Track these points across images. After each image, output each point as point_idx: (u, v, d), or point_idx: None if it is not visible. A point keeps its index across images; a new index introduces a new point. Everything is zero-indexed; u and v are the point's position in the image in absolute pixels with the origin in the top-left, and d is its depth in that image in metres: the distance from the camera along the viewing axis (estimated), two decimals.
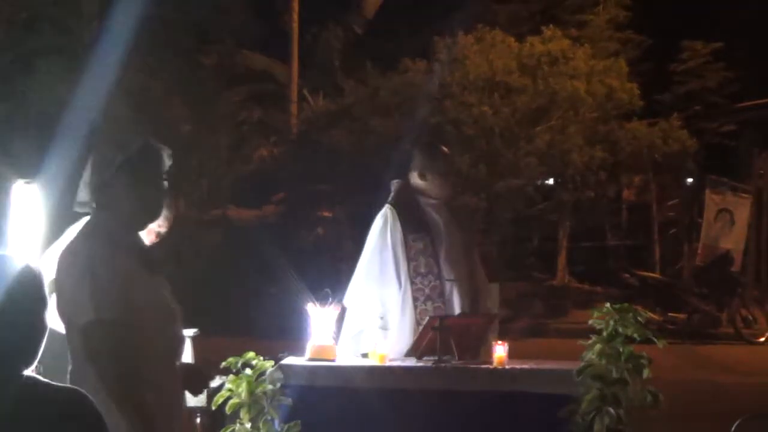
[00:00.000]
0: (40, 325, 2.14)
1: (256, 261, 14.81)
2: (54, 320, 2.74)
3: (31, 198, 4.31)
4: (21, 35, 12.05)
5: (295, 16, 18.96)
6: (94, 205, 3.23)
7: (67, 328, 3.12)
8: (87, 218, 3.31)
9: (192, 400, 4.01)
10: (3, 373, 2.07)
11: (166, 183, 3.30)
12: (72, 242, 3.21)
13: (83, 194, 3.27)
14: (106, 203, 3.21)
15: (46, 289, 2.19)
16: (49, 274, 3.44)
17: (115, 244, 3.15)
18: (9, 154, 10.67)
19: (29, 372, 2.12)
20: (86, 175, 3.26)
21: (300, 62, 19.28)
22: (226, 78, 16.81)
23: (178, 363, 3.28)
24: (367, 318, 4.62)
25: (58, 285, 3.12)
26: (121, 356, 3.02)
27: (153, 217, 3.32)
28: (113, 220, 3.20)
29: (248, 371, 3.66)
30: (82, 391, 2.19)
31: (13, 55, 11.93)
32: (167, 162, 3.30)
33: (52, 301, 2.41)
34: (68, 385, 2.18)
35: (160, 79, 13.75)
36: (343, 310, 4.30)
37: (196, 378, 3.38)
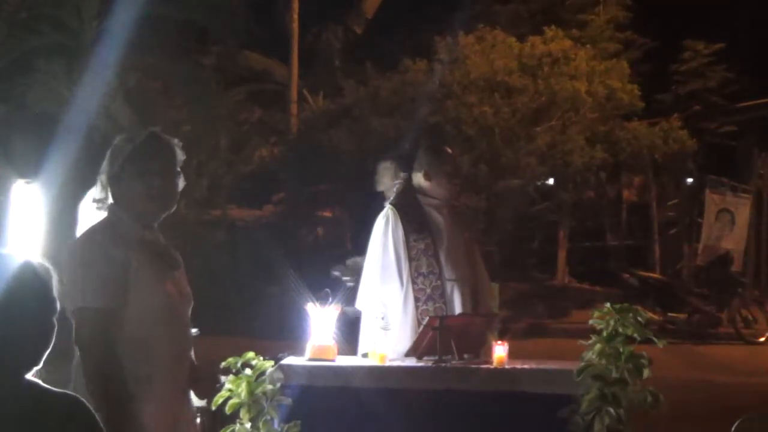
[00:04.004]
0: (43, 327, 2.11)
1: (256, 261, 14.81)
2: None
3: (31, 198, 4.31)
4: (21, 35, 12.05)
5: (295, 16, 18.94)
6: (109, 200, 3.23)
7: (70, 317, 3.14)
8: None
9: (193, 400, 4.01)
10: (3, 376, 2.06)
11: (178, 174, 3.28)
12: (79, 235, 3.22)
13: (98, 191, 3.26)
14: (118, 197, 3.21)
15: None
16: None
17: (122, 237, 3.15)
18: (9, 154, 10.66)
19: (29, 376, 2.10)
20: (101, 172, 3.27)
21: (300, 62, 19.26)
22: (226, 78, 16.80)
23: (185, 362, 3.26)
24: (371, 317, 4.62)
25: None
26: (102, 344, 3.02)
27: (165, 208, 3.28)
28: (125, 214, 3.20)
29: (248, 371, 3.66)
30: (77, 395, 2.17)
31: (13, 55, 11.92)
32: (179, 154, 3.29)
33: None
34: (65, 390, 2.15)
35: (160, 79, 13.75)
36: (343, 311, 4.29)
37: (204, 382, 3.38)
